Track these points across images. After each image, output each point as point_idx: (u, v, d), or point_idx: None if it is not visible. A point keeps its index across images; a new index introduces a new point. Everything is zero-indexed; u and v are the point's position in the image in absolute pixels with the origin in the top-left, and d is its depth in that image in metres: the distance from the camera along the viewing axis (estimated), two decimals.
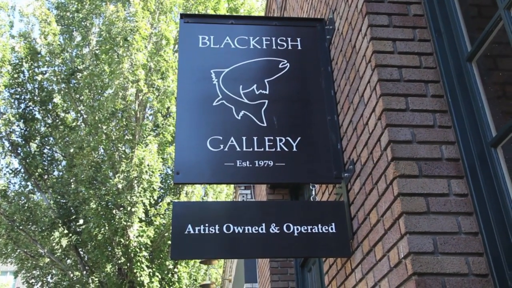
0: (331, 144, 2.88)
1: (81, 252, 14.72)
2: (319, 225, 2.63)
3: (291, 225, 2.63)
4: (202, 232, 2.59)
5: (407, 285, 1.89)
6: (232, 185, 10.09)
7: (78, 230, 14.13)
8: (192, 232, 2.59)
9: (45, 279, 15.33)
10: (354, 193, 2.59)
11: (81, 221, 13.73)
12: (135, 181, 12.36)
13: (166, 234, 13.12)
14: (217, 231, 2.60)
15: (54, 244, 13.76)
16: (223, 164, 2.77)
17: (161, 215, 13.28)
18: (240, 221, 2.63)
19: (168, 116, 14.08)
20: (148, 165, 12.33)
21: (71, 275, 14.12)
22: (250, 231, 2.60)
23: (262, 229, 2.61)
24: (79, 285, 13.74)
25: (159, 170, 12.78)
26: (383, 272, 2.15)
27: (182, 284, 14.23)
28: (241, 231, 2.60)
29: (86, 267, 14.27)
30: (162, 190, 15.00)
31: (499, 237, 1.85)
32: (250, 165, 2.77)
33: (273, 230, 2.61)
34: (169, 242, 13.20)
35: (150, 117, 14.47)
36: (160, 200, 14.63)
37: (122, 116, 13.32)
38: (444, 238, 1.92)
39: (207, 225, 2.61)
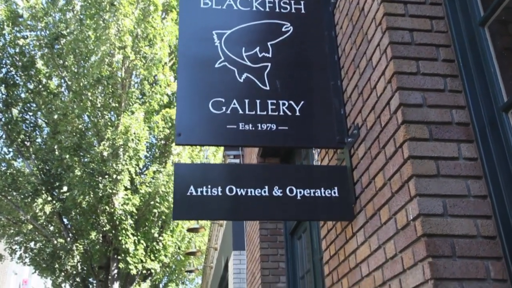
0: (334, 109, 2.86)
1: (65, 220, 14.65)
2: (322, 189, 2.63)
3: (294, 188, 2.62)
4: (204, 193, 2.58)
5: (416, 246, 1.91)
6: (221, 155, 10.07)
7: (61, 197, 14.03)
8: (194, 193, 2.57)
9: (28, 245, 15.27)
10: (358, 158, 2.59)
11: (65, 188, 13.63)
12: (121, 149, 12.25)
13: (152, 203, 13.11)
14: (219, 193, 2.58)
15: (37, 211, 13.66)
16: (226, 126, 2.74)
17: (146, 184, 13.24)
18: (243, 184, 2.61)
19: (155, 84, 13.89)
20: (134, 133, 12.21)
21: (55, 241, 14.07)
22: (253, 194, 2.60)
23: (265, 191, 2.61)
24: (63, 252, 13.73)
25: (145, 139, 12.68)
26: (388, 235, 2.17)
27: (167, 252, 14.32)
28: (243, 193, 2.59)
29: (70, 234, 14.23)
30: (147, 159, 14.93)
31: (508, 200, 1.86)
32: (253, 128, 2.74)
33: (276, 193, 2.61)
34: (154, 210, 13.23)
35: (136, 85, 14.26)
36: (145, 169, 14.56)
37: (108, 83, 13.09)
38: (454, 200, 1.93)
39: (209, 186, 2.59)
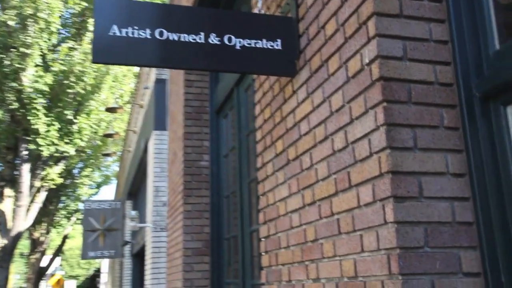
0: None
1: None
2: (264, 40, 2.37)
3: (233, 37, 2.34)
4: (130, 35, 2.22)
5: (369, 92, 1.74)
6: None
7: None
8: (118, 34, 2.21)
9: None
10: (306, 7, 2.33)
11: None
12: (30, 20, 11.03)
13: (66, 82, 12.24)
14: (148, 36, 2.24)
15: None
16: None
17: (60, 61, 12.24)
18: (175, 28, 2.28)
19: None
20: (45, 2, 10.96)
21: None
22: (187, 40, 2.28)
23: (200, 38, 2.30)
24: None
25: (58, 10, 11.46)
26: (336, 85, 1.99)
27: (82, 135, 13.74)
28: (176, 38, 2.27)
29: None
30: (62, 36, 13.68)
31: (470, 45, 1.72)
32: None
33: (212, 40, 2.31)
34: (69, 90, 12.42)
35: None
36: (59, 44, 13.38)
37: None
38: (414, 44, 1.75)
39: (136, 27, 2.24)
